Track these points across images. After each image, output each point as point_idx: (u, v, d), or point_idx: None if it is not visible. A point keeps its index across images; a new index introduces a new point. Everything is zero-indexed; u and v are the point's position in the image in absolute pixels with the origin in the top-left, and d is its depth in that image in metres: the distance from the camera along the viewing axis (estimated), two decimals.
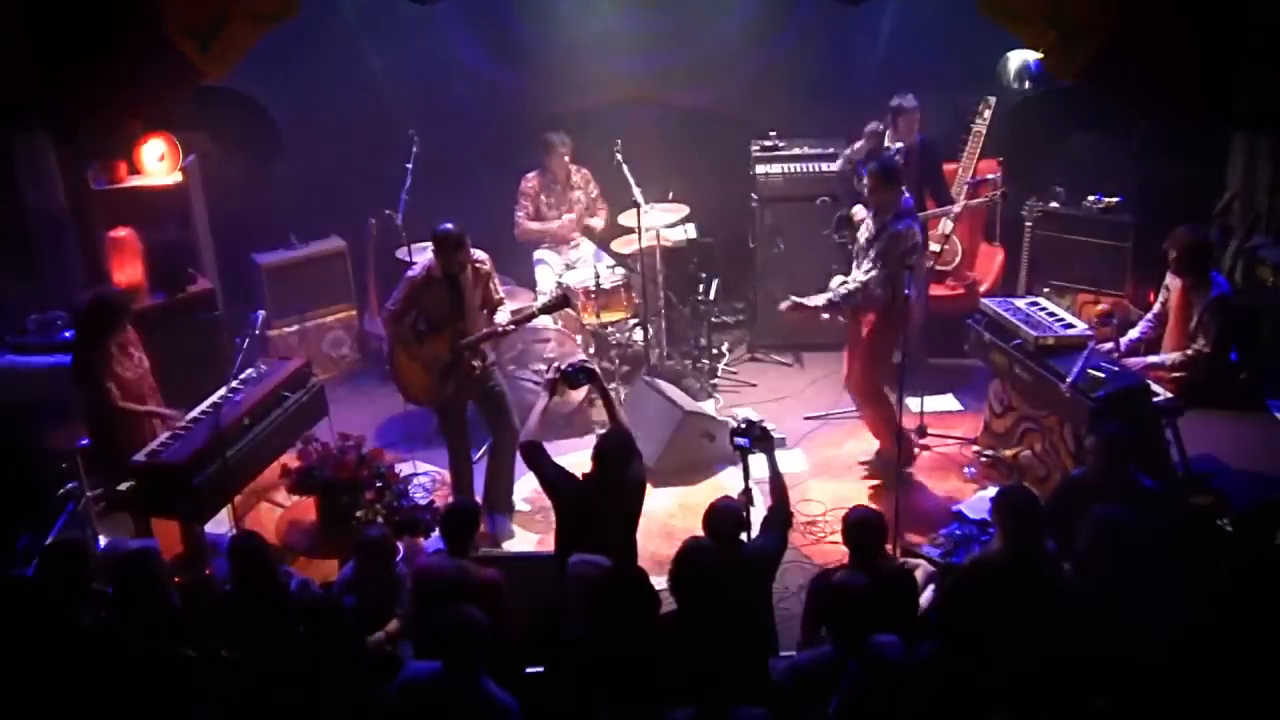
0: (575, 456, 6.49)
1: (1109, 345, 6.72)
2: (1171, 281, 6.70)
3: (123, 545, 5.44)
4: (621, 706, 4.37)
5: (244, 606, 4.82)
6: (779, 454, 5.42)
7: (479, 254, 6.60)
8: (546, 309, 6.82)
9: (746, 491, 5.39)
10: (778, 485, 5.27)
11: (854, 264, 6.83)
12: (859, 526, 4.92)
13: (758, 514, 5.28)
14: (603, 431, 5.50)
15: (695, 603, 4.61)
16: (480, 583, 4.93)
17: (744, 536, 5.08)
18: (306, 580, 5.08)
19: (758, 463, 5.39)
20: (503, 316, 6.60)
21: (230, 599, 4.92)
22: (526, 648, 4.79)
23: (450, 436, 6.79)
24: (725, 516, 4.96)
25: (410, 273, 6.56)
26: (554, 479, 5.40)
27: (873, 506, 5.78)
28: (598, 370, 5.81)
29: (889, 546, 5.94)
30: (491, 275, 6.66)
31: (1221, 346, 6.49)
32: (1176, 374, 6.52)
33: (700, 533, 4.97)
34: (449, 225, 6.39)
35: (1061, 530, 4.90)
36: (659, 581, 5.08)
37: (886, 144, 7.74)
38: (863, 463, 7.26)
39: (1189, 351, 6.52)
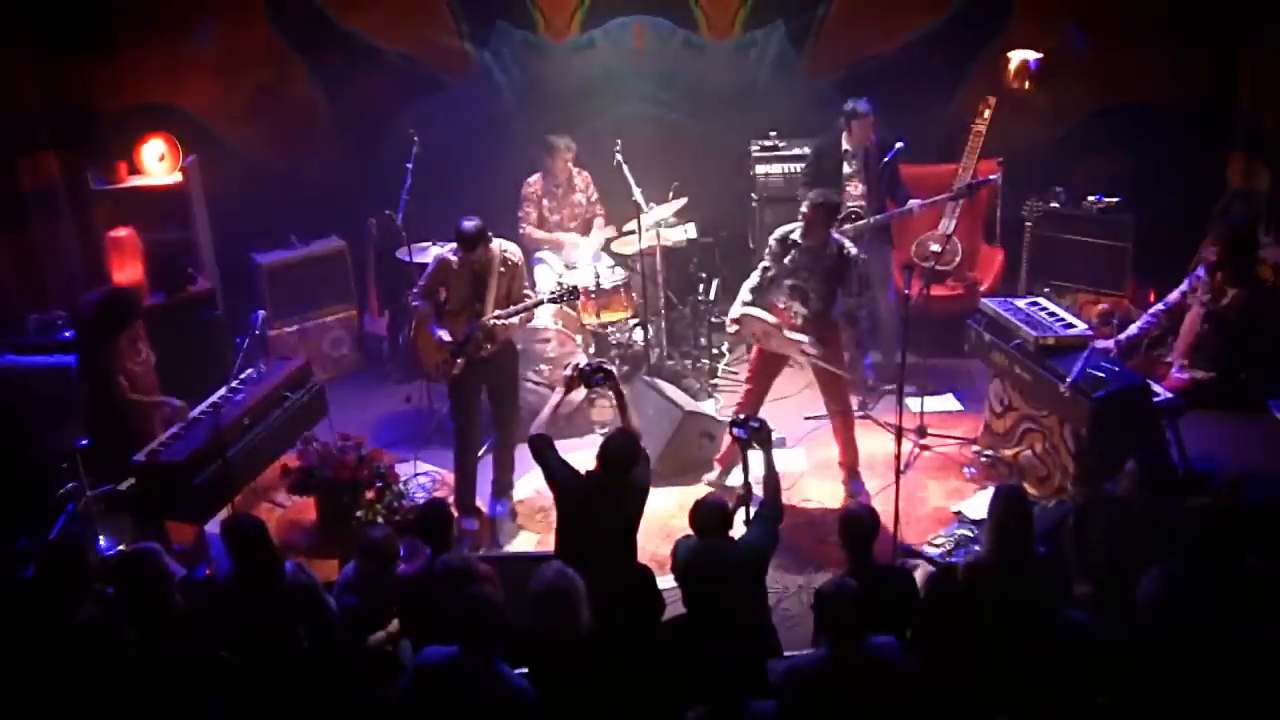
0: (575, 456, 6.49)
1: (1108, 344, 6.73)
2: (1203, 277, 6.72)
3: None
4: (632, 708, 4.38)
5: (243, 592, 4.83)
6: (778, 453, 5.43)
7: (512, 247, 6.70)
8: (553, 299, 6.87)
9: (746, 485, 5.40)
10: (771, 481, 5.28)
11: (793, 293, 6.69)
12: (848, 523, 4.94)
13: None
14: (609, 431, 5.50)
15: (703, 603, 4.62)
16: (482, 574, 4.96)
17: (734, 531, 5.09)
18: (300, 563, 5.09)
19: (756, 459, 5.40)
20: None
21: (228, 584, 4.92)
22: (525, 647, 4.78)
23: (458, 421, 6.82)
24: (710, 512, 4.96)
25: (442, 254, 6.70)
26: (558, 474, 5.40)
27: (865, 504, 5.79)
28: (615, 371, 5.82)
29: (889, 545, 6.00)
30: (519, 269, 6.71)
31: (1237, 327, 6.55)
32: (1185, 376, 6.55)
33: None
34: (465, 224, 6.42)
35: (1084, 541, 4.88)
36: (661, 581, 5.11)
37: (845, 146, 7.71)
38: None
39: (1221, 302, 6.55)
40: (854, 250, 6.64)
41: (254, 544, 4.87)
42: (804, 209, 6.58)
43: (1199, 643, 4.37)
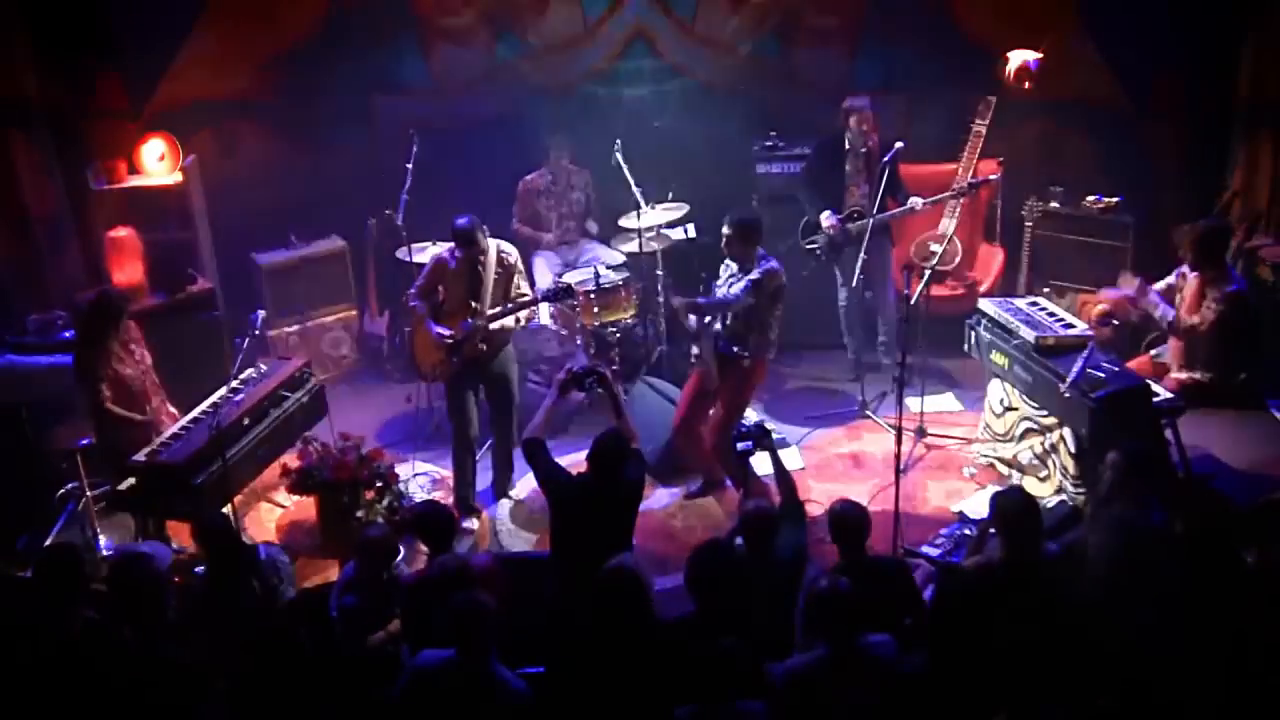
0: (575, 456, 6.49)
1: (1134, 285, 6.71)
2: (1188, 274, 6.68)
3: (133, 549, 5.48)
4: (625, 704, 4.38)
5: (219, 591, 4.86)
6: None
7: (508, 248, 6.74)
8: (547, 297, 6.88)
9: (747, 493, 5.39)
10: (785, 479, 5.27)
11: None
12: (835, 518, 4.94)
13: None
14: (600, 432, 5.50)
15: (712, 602, 4.62)
16: (481, 574, 4.95)
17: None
18: (270, 545, 5.14)
19: (760, 460, 5.39)
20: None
21: (204, 583, 4.95)
22: (525, 647, 4.79)
23: (456, 421, 6.84)
24: (762, 521, 4.95)
25: (438, 255, 6.76)
26: (551, 477, 5.41)
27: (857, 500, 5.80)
28: (608, 373, 5.82)
29: (890, 546, 6.00)
30: (516, 270, 6.74)
31: (1221, 334, 6.48)
32: (1183, 376, 6.54)
33: (696, 531, 4.98)
34: (459, 220, 6.50)
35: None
36: (661, 581, 5.10)
37: (848, 145, 7.71)
38: (689, 495, 7.00)
39: (1189, 322, 6.51)
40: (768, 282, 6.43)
41: (221, 541, 4.92)
42: (724, 229, 6.45)
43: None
